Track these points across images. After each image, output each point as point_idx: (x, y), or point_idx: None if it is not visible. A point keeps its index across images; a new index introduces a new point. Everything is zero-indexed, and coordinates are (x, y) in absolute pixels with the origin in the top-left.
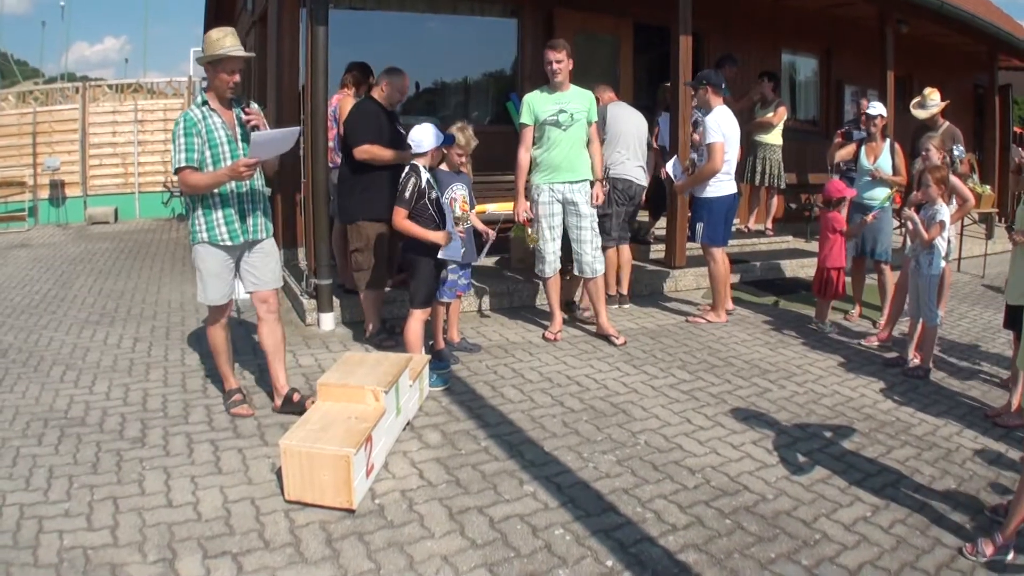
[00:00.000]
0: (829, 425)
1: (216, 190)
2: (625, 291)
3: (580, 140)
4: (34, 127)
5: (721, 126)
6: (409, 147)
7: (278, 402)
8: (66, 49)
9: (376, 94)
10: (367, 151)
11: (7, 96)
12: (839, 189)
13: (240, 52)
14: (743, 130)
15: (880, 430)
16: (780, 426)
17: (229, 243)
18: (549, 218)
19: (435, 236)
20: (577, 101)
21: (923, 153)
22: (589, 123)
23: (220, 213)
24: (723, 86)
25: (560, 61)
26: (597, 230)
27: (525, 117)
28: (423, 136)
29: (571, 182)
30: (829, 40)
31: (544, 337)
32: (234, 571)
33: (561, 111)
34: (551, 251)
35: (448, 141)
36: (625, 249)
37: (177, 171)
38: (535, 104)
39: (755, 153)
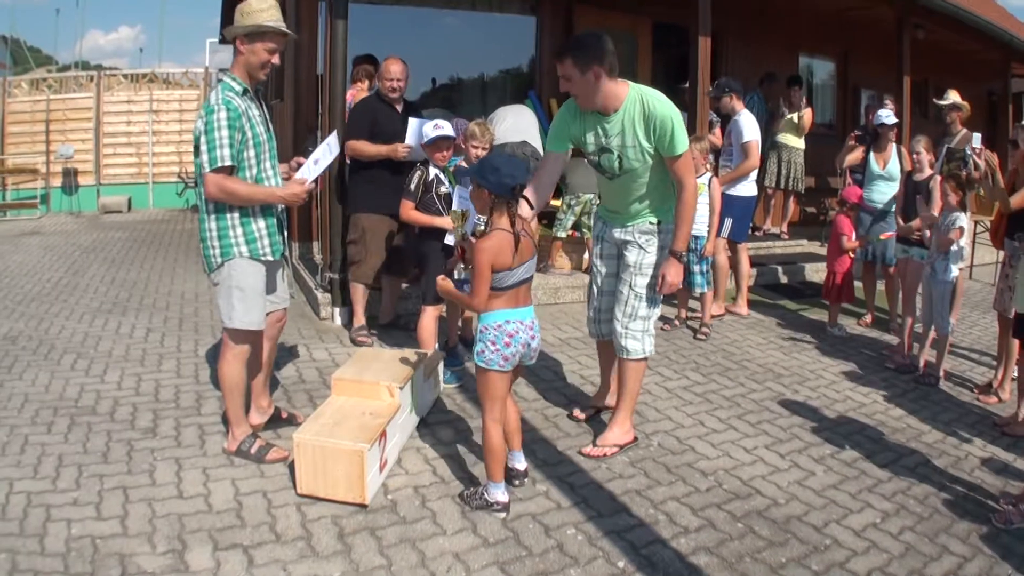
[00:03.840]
0: (841, 431)
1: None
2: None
3: (639, 187)
4: (47, 115)
5: (755, 126)
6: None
7: (261, 420)
8: (80, 37)
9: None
10: (349, 147)
11: (20, 83)
12: (855, 195)
13: (284, 27)
14: (768, 132)
15: (891, 436)
16: (793, 430)
17: (270, 258)
18: (597, 251)
19: (440, 221)
20: (631, 130)
21: (914, 156)
22: (672, 156)
23: (262, 222)
24: (743, 92)
25: (562, 64)
26: (643, 295)
27: (550, 143)
28: (426, 129)
29: (622, 226)
30: (846, 44)
31: (572, 415)
32: (245, 564)
33: (603, 150)
34: (592, 304)
35: (429, 142)
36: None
37: (216, 170)
38: (572, 129)
39: (779, 155)
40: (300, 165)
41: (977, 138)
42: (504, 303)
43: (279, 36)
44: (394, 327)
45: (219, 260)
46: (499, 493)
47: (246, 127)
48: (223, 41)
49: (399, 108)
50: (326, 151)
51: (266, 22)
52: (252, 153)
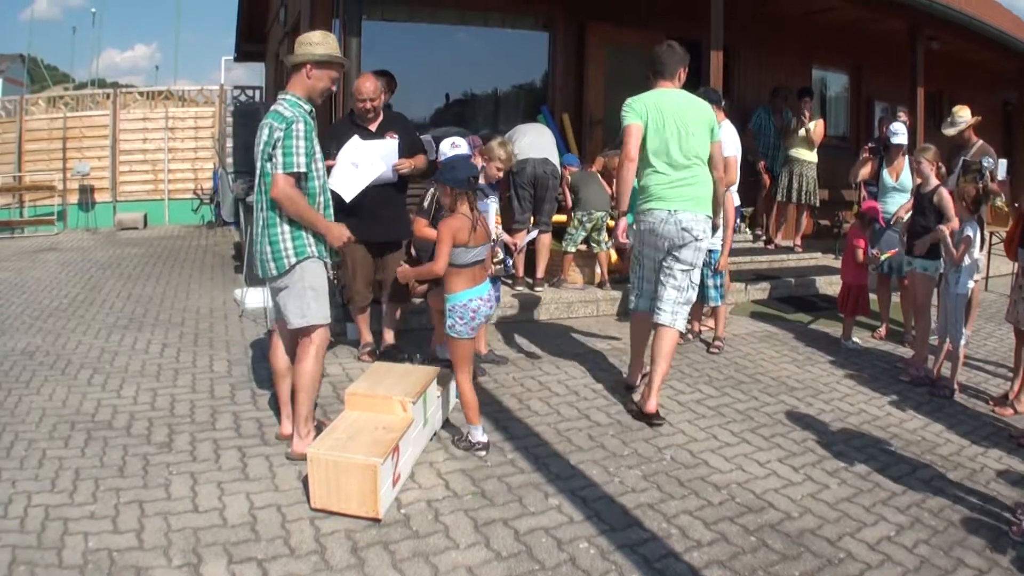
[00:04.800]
0: (855, 443)
1: (322, 204)
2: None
3: None
4: (64, 132)
5: (736, 140)
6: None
7: (292, 429)
8: (97, 55)
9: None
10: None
11: (37, 101)
12: (875, 210)
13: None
14: (779, 146)
15: (906, 449)
16: (806, 444)
17: (327, 260)
18: None
19: (432, 235)
20: None
21: (915, 165)
22: None
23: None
24: (723, 103)
25: None
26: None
27: None
28: (443, 149)
29: None
30: (860, 56)
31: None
32: None
33: None
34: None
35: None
36: (543, 238)
37: (289, 174)
38: None
39: (791, 169)
40: (329, 168)
41: (1003, 167)
42: (466, 283)
43: (341, 67)
44: (367, 344)
45: (292, 260)
46: (478, 434)
47: (315, 143)
48: (238, 59)
49: (373, 128)
50: (364, 157)
51: (335, 52)
52: (319, 166)
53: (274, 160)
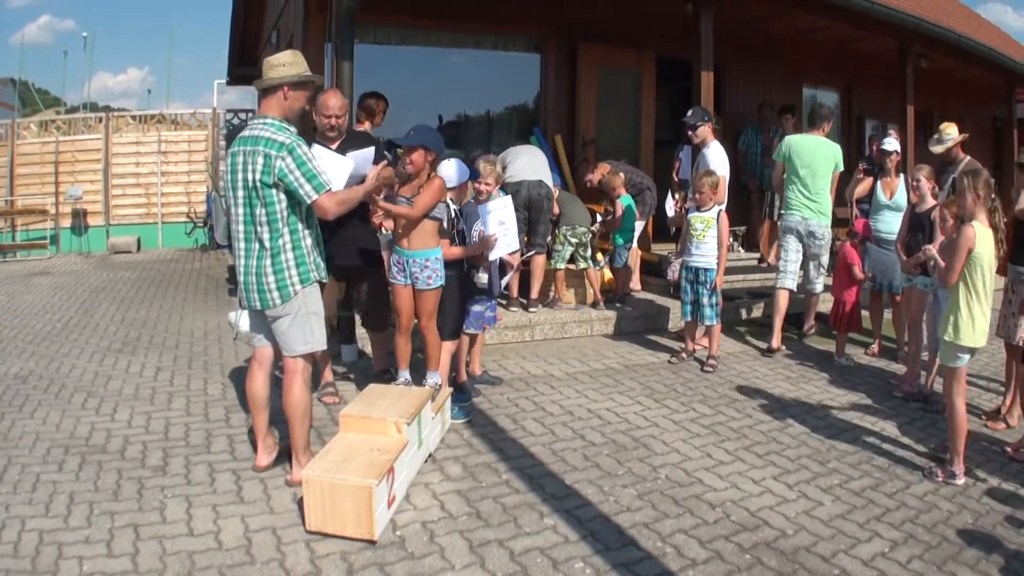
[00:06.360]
0: (849, 460)
1: (318, 222)
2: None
3: None
4: (56, 156)
5: (724, 160)
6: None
7: (269, 460)
8: (88, 79)
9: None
10: None
11: (29, 125)
12: (868, 228)
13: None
14: (766, 163)
15: (899, 465)
16: (800, 461)
17: (325, 279)
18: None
19: (459, 253)
20: None
21: (913, 184)
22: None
23: (321, 246)
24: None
25: None
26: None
27: None
28: (450, 172)
29: None
30: (850, 74)
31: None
32: None
33: None
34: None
35: (473, 175)
36: (537, 258)
37: (326, 192)
38: None
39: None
40: None
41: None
42: (437, 241)
43: (312, 85)
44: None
45: (297, 288)
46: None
47: None
48: (231, 82)
49: (333, 147)
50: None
51: (308, 71)
52: None
53: (303, 190)
